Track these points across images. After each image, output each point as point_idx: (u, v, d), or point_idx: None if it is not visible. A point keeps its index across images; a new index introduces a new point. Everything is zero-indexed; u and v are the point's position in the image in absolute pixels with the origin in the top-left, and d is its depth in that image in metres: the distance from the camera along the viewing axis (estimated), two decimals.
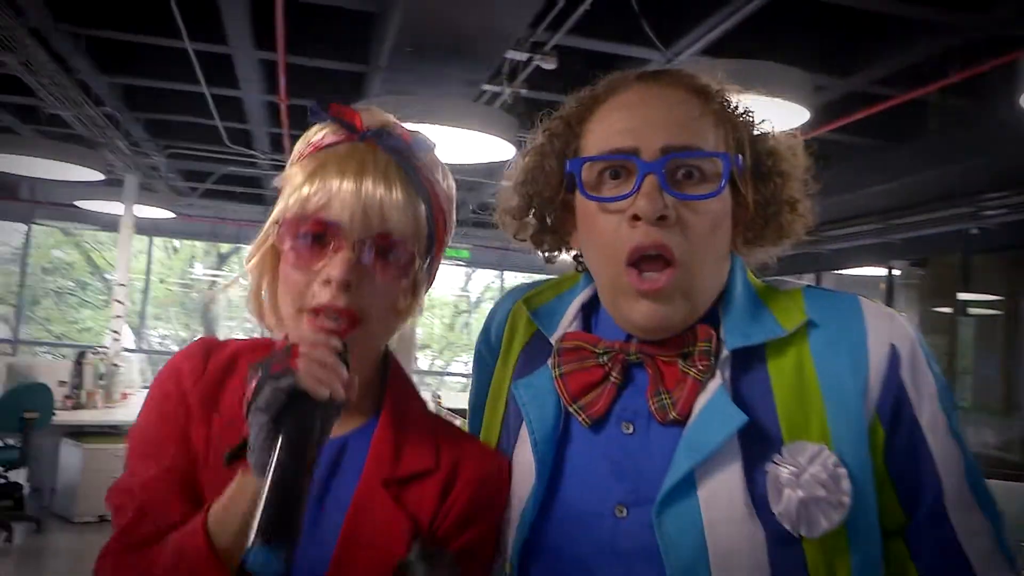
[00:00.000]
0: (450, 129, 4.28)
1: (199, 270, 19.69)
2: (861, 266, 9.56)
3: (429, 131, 4.03)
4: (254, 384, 0.91)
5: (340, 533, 1.03)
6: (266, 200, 11.37)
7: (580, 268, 1.14)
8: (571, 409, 1.02)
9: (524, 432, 1.06)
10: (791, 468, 0.91)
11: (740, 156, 1.01)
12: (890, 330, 0.98)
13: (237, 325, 20.08)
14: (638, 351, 1.02)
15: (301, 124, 7.06)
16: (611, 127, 1.02)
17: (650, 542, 0.93)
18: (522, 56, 4.83)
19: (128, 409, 7.41)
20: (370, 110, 1.10)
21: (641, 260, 0.97)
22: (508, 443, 1.10)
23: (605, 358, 1.03)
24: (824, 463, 0.91)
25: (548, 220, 1.11)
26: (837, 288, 1.10)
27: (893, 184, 6.29)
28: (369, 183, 1.01)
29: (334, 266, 1.00)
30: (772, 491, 0.92)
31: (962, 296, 8.80)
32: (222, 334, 19.51)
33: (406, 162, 1.06)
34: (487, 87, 5.26)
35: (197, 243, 18.36)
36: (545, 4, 3.92)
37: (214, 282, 19.36)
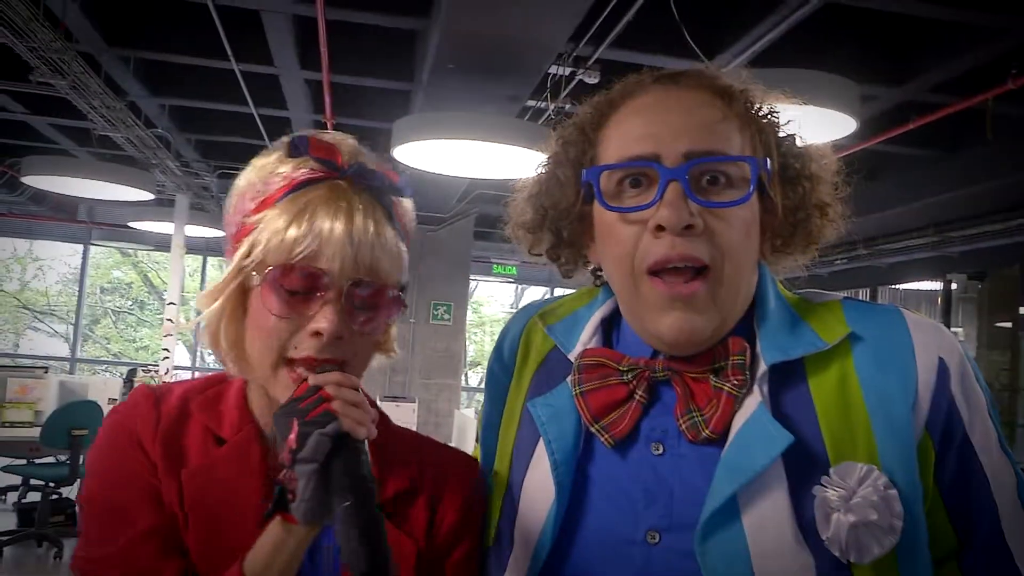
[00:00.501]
0: (493, 145, 4.25)
1: None
2: (918, 280, 9.35)
3: (472, 147, 4.00)
4: (294, 435, 0.88)
5: (341, 567, 0.99)
6: None
7: (598, 283, 1.09)
8: (593, 429, 0.96)
9: (539, 452, 1.00)
10: (840, 491, 0.85)
11: (767, 159, 0.95)
12: (938, 343, 0.91)
13: None
14: (665, 368, 0.95)
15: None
16: (629, 133, 0.96)
17: (687, 569, 0.86)
18: (565, 71, 4.80)
19: None
20: (344, 139, 1.04)
21: (664, 272, 0.91)
22: (521, 463, 1.04)
23: (629, 375, 0.96)
24: (875, 484, 0.84)
25: (564, 233, 1.04)
26: (894, 303, 1.03)
27: (949, 195, 6.13)
28: (359, 228, 0.96)
29: (324, 318, 0.95)
30: (820, 516, 0.85)
31: (1023, 310, 8.54)
32: None
33: (386, 200, 1.02)
34: (530, 103, 5.24)
35: None
36: (587, 17, 3.89)
37: None
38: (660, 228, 0.90)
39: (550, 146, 1.06)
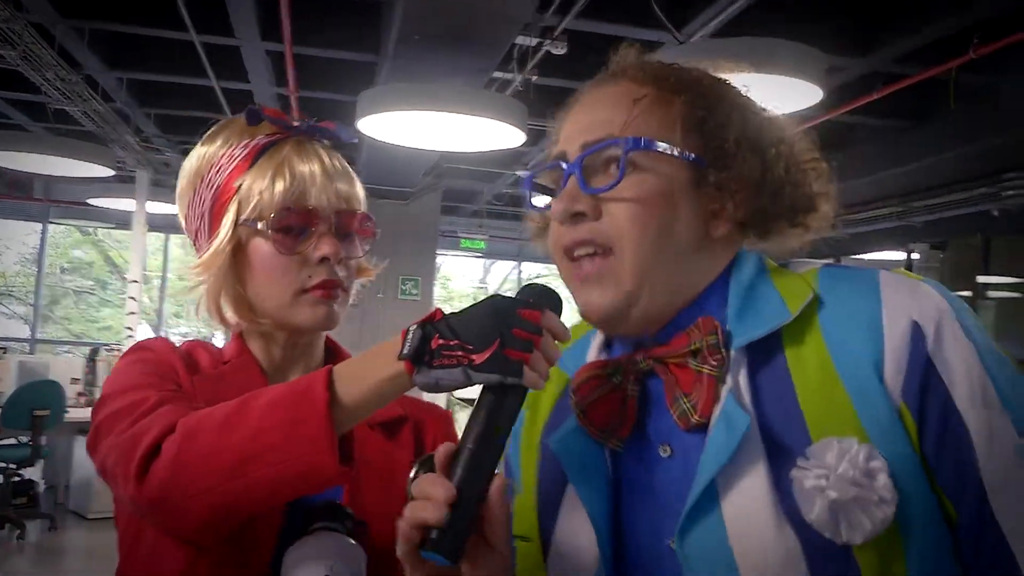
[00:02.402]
0: (460, 117, 4.21)
1: None
2: (880, 250, 9.46)
3: (438, 119, 3.94)
4: (495, 345, 0.85)
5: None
6: None
7: None
8: (600, 440, 0.94)
9: (569, 495, 0.96)
10: (818, 470, 0.81)
11: (650, 138, 0.91)
12: (910, 304, 0.85)
13: None
14: (645, 357, 0.93)
15: (313, 115, 7.09)
16: (556, 137, 1.00)
17: (706, 571, 0.83)
18: (531, 42, 4.76)
19: None
20: (276, 110, 1.19)
21: (577, 257, 0.94)
22: (549, 507, 1.00)
23: (618, 377, 0.94)
24: (854, 459, 0.79)
25: None
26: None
27: (912, 166, 6.19)
28: (330, 166, 1.14)
29: (325, 245, 1.11)
30: (801, 498, 0.81)
31: (982, 279, 8.68)
32: None
33: (337, 144, 1.20)
34: (497, 74, 5.19)
35: None
36: None
37: None
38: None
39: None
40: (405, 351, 0.87)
